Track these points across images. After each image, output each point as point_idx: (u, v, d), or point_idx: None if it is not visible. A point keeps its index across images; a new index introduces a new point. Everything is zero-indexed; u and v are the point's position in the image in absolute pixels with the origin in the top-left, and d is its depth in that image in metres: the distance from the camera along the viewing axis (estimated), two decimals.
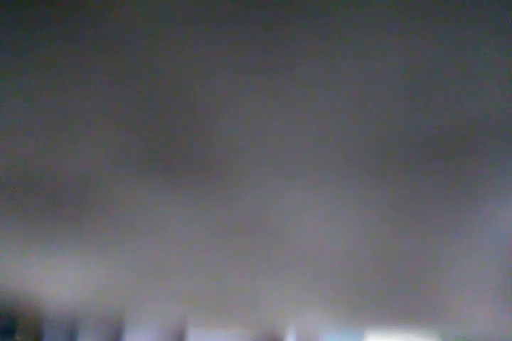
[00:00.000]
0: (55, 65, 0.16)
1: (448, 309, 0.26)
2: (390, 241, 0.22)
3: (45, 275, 0.25)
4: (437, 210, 0.20)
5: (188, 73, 0.16)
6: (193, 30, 0.14)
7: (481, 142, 0.17)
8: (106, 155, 0.19)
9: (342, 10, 0.13)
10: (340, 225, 0.21)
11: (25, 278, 0.26)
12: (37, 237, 0.23)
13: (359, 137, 0.17)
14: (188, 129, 0.17)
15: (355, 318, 0.28)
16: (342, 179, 0.19)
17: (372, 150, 0.18)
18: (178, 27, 0.14)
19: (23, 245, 0.23)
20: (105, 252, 0.23)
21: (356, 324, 0.28)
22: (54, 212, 0.21)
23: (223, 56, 0.15)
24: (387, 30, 0.14)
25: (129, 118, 0.17)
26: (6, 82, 0.16)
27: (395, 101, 0.16)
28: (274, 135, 0.17)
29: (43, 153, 0.19)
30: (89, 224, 0.22)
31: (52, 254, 0.24)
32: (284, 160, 0.18)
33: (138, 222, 0.22)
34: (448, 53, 0.15)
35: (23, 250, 0.24)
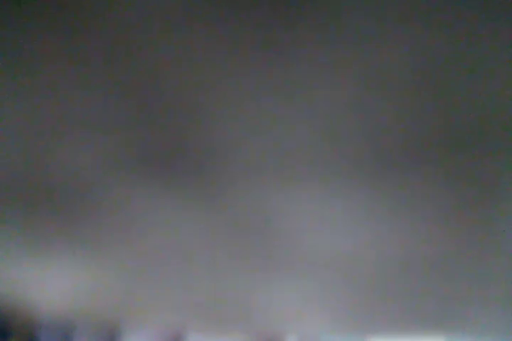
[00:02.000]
0: (53, 66, 0.15)
1: (452, 315, 0.26)
2: (392, 245, 0.21)
3: (40, 279, 0.25)
4: (441, 213, 0.20)
5: (185, 74, 0.15)
6: (192, 29, 0.14)
7: (492, 139, 0.17)
8: (101, 159, 0.18)
9: (347, 3, 0.13)
10: (341, 228, 0.21)
11: (20, 282, 0.25)
12: (31, 241, 0.23)
13: (361, 136, 0.17)
14: (184, 131, 0.17)
15: (356, 324, 0.27)
16: (344, 180, 0.18)
17: (374, 149, 0.17)
18: (177, 26, 0.14)
19: (18, 249, 0.23)
20: (101, 257, 0.23)
21: (357, 329, 0.28)
22: (49, 216, 0.21)
23: (221, 55, 0.15)
24: (394, 25, 0.14)
25: (125, 121, 0.17)
26: (5, 83, 0.16)
27: (399, 99, 0.16)
28: (273, 136, 0.17)
29: (37, 154, 0.18)
30: (84, 229, 0.22)
31: (47, 258, 0.23)
32: (282, 162, 0.18)
33: (134, 226, 0.21)
34: (455, 48, 0.14)
35: (18, 254, 0.23)
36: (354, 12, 0.13)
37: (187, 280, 0.24)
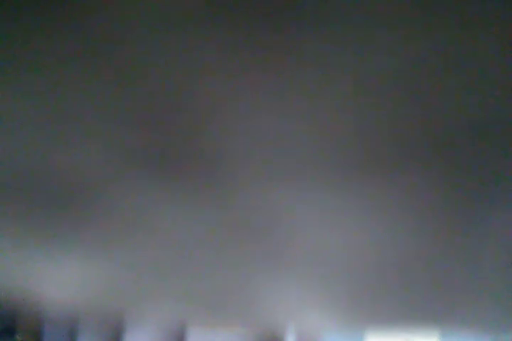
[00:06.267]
0: (55, 65, 0.16)
1: (449, 309, 0.26)
2: (391, 240, 0.22)
3: (46, 275, 0.25)
4: (440, 210, 0.20)
5: (186, 73, 0.16)
6: (193, 29, 0.14)
7: (486, 139, 0.17)
8: (105, 156, 0.19)
9: (343, 8, 0.13)
10: (340, 224, 0.21)
11: (26, 278, 0.25)
12: (37, 237, 0.23)
13: (357, 135, 0.17)
14: (193, 134, 0.17)
15: (355, 318, 0.27)
16: (342, 177, 0.19)
17: (370, 147, 0.18)
18: (178, 27, 0.14)
19: (23, 245, 0.23)
20: (105, 252, 0.23)
21: (356, 324, 0.28)
22: (54, 212, 0.21)
23: (221, 56, 0.15)
24: (390, 28, 0.14)
25: (128, 119, 0.17)
26: (7, 81, 0.16)
27: (396, 99, 0.16)
28: (273, 134, 0.17)
29: (41, 153, 0.19)
30: (88, 224, 0.22)
31: (52, 254, 0.24)
32: (282, 160, 0.18)
33: (138, 222, 0.22)
34: (449, 51, 0.15)
35: (24, 250, 0.24)
36: (351, 22, 0.14)
37: (190, 275, 0.25)
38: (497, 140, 0.17)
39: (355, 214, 0.20)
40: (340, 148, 0.17)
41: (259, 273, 0.24)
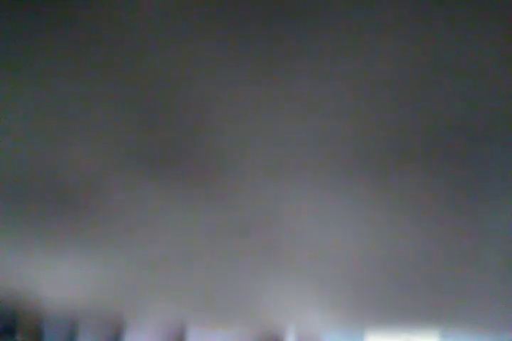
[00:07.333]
0: (55, 64, 0.16)
1: (449, 309, 0.26)
2: (392, 241, 0.22)
3: (46, 275, 0.25)
4: (439, 210, 0.20)
5: (190, 72, 0.16)
6: (194, 28, 0.14)
7: (489, 139, 0.17)
8: (106, 155, 0.19)
9: (344, 5, 0.13)
10: (340, 225, 0.21)
11: (26, 278, 0.26)
12: (37, 237, 0.23)
13: (353, 134, 0.17)
14: (190, 133, 0.17)
15: (355, 318, 0.27)
16: (345, 178, 0.19)
17: (376, 148, 0.18)
18: (180, 26, 0.14)
19: (23, 245, 0.23)
20: (105, 252, 0.23)
21: (356, 324, 0.28)
22: (53, 211, 0.21)
23: (224, 55, 0.15)
24: (391, 26, 0.14)
25: (129, 118, 0.17)
26: (7, 81, 0.16)
27: (398, 97, 0.16)
28: (275, 138, 0.17)
29: (42, 153, 0.19)
30: (89, 224, 0.22)
31: (52, 254, 0.24)
32: (285, 160, 0.18)
33: (138, 222, 0.22)
34: (453, 48, 0.15)
35: (23, 250, 0.24)
36: (351, 19, 0.14)
37: (190, 275, 0.25)
38: (491, 142, 0.17)
39: (355, 214, 0.20)
40: (337, 146, 0.17)
41: (260, 273, 0.24)
